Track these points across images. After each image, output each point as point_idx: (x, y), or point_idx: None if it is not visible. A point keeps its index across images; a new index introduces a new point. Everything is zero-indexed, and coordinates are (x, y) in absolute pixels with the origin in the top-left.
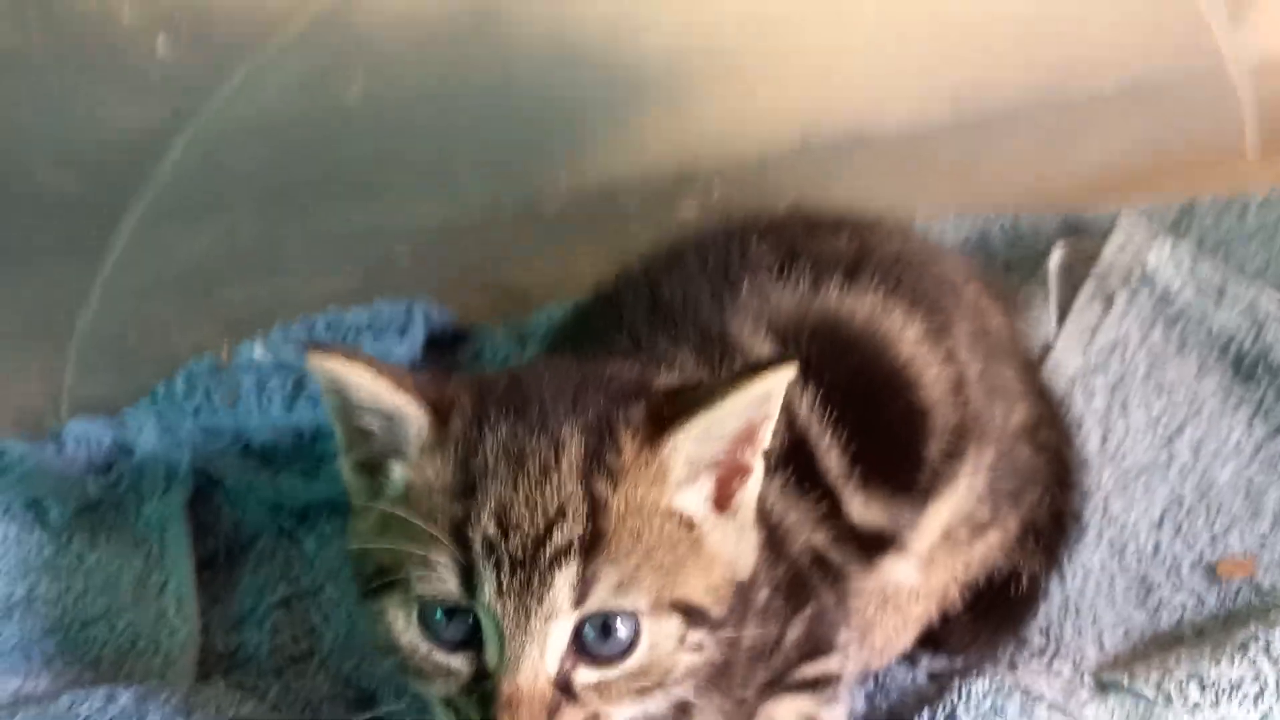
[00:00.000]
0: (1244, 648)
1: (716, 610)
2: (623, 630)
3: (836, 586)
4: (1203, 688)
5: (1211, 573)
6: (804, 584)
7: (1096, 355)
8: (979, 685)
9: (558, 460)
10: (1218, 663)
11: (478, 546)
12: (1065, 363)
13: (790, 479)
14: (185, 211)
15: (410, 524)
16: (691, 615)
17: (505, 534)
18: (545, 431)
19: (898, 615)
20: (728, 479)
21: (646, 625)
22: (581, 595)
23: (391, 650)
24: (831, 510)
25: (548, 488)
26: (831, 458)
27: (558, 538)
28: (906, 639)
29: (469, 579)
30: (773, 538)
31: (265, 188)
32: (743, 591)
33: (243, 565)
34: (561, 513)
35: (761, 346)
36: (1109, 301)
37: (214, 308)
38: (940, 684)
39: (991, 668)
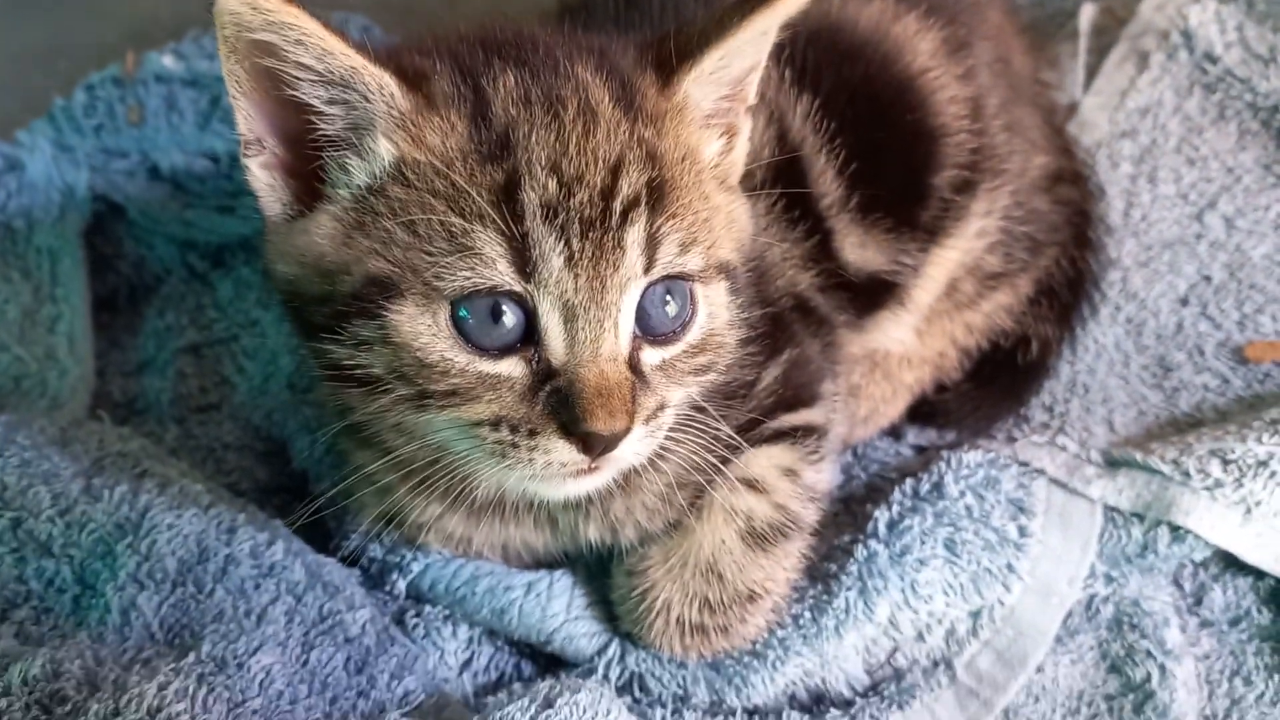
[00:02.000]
0: (1275, 425)
1: (741, 271)
2: (682, 299)
3: (820, 334)
4: (1225, 464)
5: (1238, 354)
6: (783, 328)
7: (1126, 120)
8: (972, 455)
9: (596, 105)
10: (1243, 440)
11: (535, 211)
12: (1091, 126)
13: (776, 205)
14: None
15: (422, 207)
16: (731, 277)
17: (568, 190)
18: (568, 77)
19: (887, 382)
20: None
21: (700, 292)
22: (650, 259)
23: (398, 377)
24: (822, 249)
25: (598, 133)
26: (826, 180)
27: (625, 188)
28: (895, 409)
29: (522, 257)
30: (749, 276)
31: None
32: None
33: (147, 307)
34: (622, 159)
35: None
36: (1143, 63)
37: (119, 15)
38: (926, 457)
39: (986, 442)
